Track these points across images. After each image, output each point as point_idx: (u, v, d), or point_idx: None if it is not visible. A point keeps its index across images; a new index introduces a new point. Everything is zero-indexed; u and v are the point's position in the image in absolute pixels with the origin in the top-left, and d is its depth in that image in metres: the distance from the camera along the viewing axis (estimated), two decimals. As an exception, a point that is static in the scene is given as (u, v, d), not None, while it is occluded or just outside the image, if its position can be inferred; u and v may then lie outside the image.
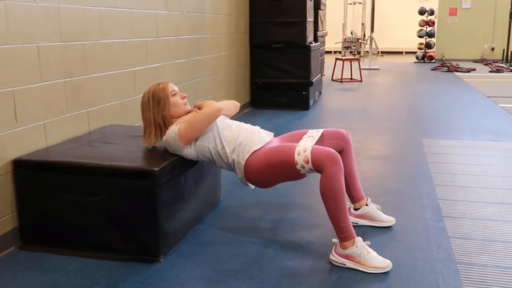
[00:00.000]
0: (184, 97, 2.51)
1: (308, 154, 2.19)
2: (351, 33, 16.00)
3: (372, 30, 12.28)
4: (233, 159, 2.38)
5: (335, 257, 2.21)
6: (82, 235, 2.32)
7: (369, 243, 2.23)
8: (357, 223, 2.64)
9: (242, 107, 6.11)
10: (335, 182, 2.14)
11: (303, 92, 6.14)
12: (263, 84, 6.23)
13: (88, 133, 2.90)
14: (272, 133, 2.55)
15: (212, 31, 4.88)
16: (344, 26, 16.09)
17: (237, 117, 5.73)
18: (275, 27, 6.03)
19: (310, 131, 2.56)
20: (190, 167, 2.50)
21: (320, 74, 6.97)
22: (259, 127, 2.54)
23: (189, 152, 2.41)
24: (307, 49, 6.03)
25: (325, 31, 7.47)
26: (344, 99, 7.12)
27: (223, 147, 2.39)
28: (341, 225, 2.18)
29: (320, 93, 7.60)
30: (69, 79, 2.73)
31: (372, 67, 11.79)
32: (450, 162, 3.82)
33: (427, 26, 13.44)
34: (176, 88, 2.52)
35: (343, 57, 9.53)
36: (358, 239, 2.18)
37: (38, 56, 2.48)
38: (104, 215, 2.27)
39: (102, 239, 2.30)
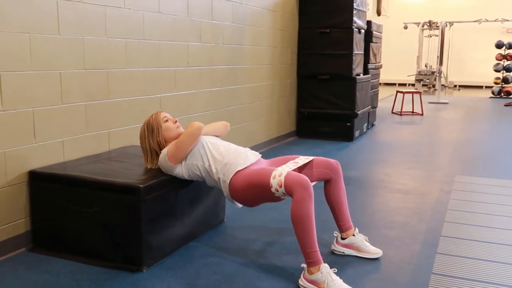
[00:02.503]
0: (175, 122, 2.73)
1: (282, 178, 2.31)
2: (425, 65, 15.65)
3: (441, 63, 11.97)
4: (219, 178, 2.54)
5: (302, 282, 2.28)
6: (79, 242, 2.58)
7: (336, 270, 2.28)
8: (343, 253, 2.68)
9: (287, 136, 6.26)
10: (303, 208, 2.23)
11: (348, 124, 6.18)
12: (309, 114, 6.35)
13: (107, 151, 3.20)
14: (260, 155, 2.69)
15: (251, 61, 5.11)
16: (418, 58, 15.78)
17: (281, 144, 5.89)
18: (322, 59, 6.17)
19: (299, 157, 2.67)
20: (182, 186, 2.69)
21: (370, 106, 6.95)
22: (248, 149, 2.69)
23: (180, 171, 2.60)
24: (353, 81, 6.09)
25: (379, 64, 7.46)
26: (396, 133, 7.03)
27: (210, 165, 2.56)
28: (307, 250, 2.25)
29: (373, 125, 7.56)
30: (90, 102, 3.05)
31: (441, 101, 11.45)
32: (474, 200, 3.70)
33: (505, 60, 12.86)
34: (168, 115, 2.76)
35: (404, 90, 9.38)
36: (324, 266, 2.24)
37: (60, 81, 2.82)
38: (97, 225, 2.51)
39: (95, 247, 2.54)
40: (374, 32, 6.89)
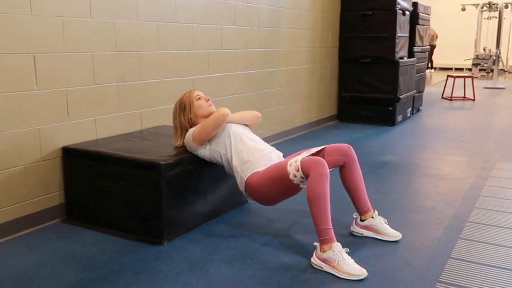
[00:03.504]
0: (208, 100, 2.81)
1: (298, 163, 2.36)
2: (484, 49, 14.99)
3: (497, 46, 11.42)
4: (237, 171, 2.62)
5: (314, 260, 2.32)
6: (107, 215, 2.73)
7: (348, 250, 2.30)
8: (362, 234, 2.68)
9: (327, 119, 6.23)
10: (318, 185, 2.26)
11: (390, 108, 6.07)
12: (350, 98, 6.28)
13: (139, 130, 3.33)
14: (282, 158, 2.73)
15: (289, 45, 5.11)
16: (476, 42, 15.13)
17: (321, 128, 5.88)
18: (364, 42, 6.07)
19: (312, 148, 2.70)
20: (205, 165, 2.78)
21: (415, 91, 6.77)
22: (274, 148, 2.74)
23: (203, 153, 2.70)
24: (395, 64, 5.96)
25: (426, 47, 7.23)
26: (443, 118, 6.83)
27: (232, 156, 2.63)
28: (320, 227, 2.28)
29: (419, 110, 7.37)
30: (122, 83, 3.18)
31: (497, 86, 10.96)
32: (510, 187, 3.57)
33: None
34: (201, 94, 2.83)
35: (455, 74, 9.05)
36: (336, 245, 2.26)
37: (92, 63, 2.96)
38: (122, 199, 2.65)
39: (121, 220, 2.68)
40: (420, 13, 6.69)
